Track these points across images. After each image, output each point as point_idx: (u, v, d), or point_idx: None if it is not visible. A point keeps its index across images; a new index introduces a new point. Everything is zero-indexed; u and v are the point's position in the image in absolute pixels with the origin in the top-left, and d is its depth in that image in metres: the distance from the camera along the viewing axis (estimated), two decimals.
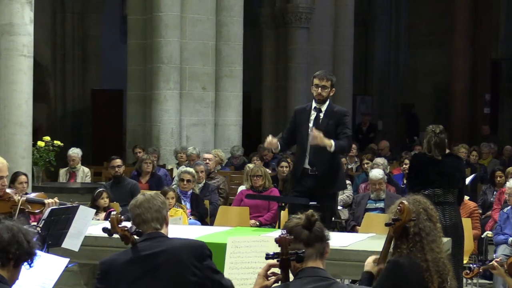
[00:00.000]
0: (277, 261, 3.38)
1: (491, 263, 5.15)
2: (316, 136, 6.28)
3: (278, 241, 3.36)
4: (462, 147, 12.51)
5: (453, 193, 6.75)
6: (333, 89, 6.59)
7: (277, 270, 3.46)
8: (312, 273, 3.38)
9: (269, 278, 3.48)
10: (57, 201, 5.66)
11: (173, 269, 3.68)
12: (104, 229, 3.80)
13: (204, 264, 3.73)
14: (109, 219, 3.79)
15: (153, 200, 3.80)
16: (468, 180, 9.20)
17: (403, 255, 3.91)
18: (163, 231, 3.80)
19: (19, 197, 5.64)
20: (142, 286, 3.67)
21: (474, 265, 5.39)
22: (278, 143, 6.59)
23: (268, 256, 3.39)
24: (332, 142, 6.34)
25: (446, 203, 6.62)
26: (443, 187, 6.67)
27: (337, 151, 6.44)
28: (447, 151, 7.01)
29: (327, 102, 6.59)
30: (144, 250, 3.70)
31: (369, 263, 4.05)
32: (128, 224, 3.80)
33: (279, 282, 3.44)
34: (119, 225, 3.74)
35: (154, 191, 4.00)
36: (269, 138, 6.55)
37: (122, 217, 3.82)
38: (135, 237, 3.73)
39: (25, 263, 3.05)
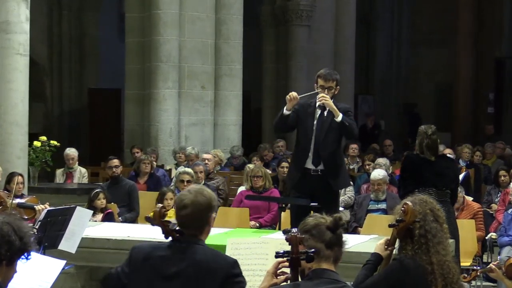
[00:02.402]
0: (287, 260, 3.37)
1: (488, 266, 5.08)
2: (325, 96, 6.25)
3: (288, 239, 3.35)
4: (465, 147, 12.43)
5: (447, 193, 6.75)
6: (338, 87, 6.55)
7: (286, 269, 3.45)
8: (324, 275, 3.38)
9: (278, 277, 3.47)
10: (48, 207, 5.58)
11: (198, 280, 3.60)
12: (147, 218, 3.81)
13: (228, 282, 3.59)
14: (154, 210, 3.79)
15: (199, 205, 3.65)
16: (460, 178, 9.13)
17: (408, 256, 3.87)
18: (203, 235, 3.70)
19: (11, 201, 5.55)
20: (163, 286, 3.63)
21: (478, 267, 5.31)
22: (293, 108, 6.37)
23: (278, 255, 3.38)
24: (340, 113, 6.31)
25: (440, 203, 6.53)
26: (436, 186, 6.67)
27: (344, 123, 6.34)
28: (443, 148, 6.95)
29: (331, 101, 6.49)
30: (179, 253, 3.63)
31: (380, 245, 4.03)
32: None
33: (288, 281, 3.43)
34: (162, 219, 3.69)
35: (202, 188, 3.86)
36: (295, 93, 6.35)
37: (166, 211, 3.78)
38: (176, 234, 3.68)
39: (21, 258, 2.97)
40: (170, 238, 3.69)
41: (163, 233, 3.69)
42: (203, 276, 3.58)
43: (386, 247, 4.04)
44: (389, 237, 4.03)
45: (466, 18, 18.71)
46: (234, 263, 3.64)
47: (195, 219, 3.65)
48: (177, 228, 3.66)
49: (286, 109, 6.39)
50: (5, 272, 2.93)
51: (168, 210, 7.91)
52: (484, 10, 18.99)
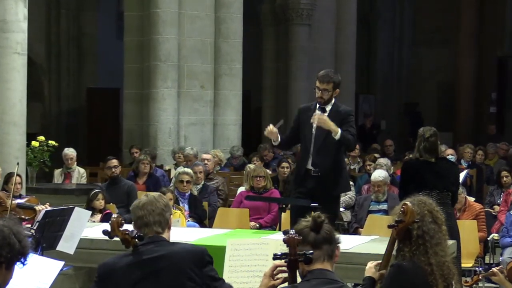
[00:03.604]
0: (285, 261, 3.36)
1: (490, 270, 5.03)
2: (321, 117, 6.20)
3: (286, 241, 3.35)
4: (467, 147, 12.34)
5: (447, 195, 6.71)
6: (337, 90, 6.48)
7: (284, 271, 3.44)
8: (320, 275, 3.36)
9: (275, 279, 3.47)
10: (48, 207, 5.55)
11: (173, 275, 3.65)
12: (105, 232, 3.77)
13: (203, 270, 3.68)
14: (110, 221, 3.74)
15: (156, 203, 3.75)
16: (461, 176, 9.07)
17: (406, 258, 3.82)
18: (165, 234, 3.76)
19: (10, 201, 5.52)
20: None
21: (480, 268, 5.28)
22: (278, 135, 6.46)
23: (275, 256, 3.38)
24: (339, 129, 6.24)
25: (440, 205, 6.50)
26: (437, 188, 6.62)
27: (342, 141, 6.31)
28: (445, 148, 6.90)
29: (332, 102, 6.49)
30: (145, 254, 3.67)
31: (370, 268, 3.99)
32: (129, 227, 3.77)
33: (286, 283, 3.42)
34: (120, 229, 3.70)
35: (158, 193, 4.01)
36: (270, 127, 6.44)
37: (123, 220, 3.77)
38: (136, 240, 3.69)
39: (18, 263, 2.95)
40: (131, 248, 3.70)
41: (123, 243, 3.70)
42: (178, 270, 3.63)
43: (377, 270, 3.99)
44: (379, 261, 3.98)
45: (468, 17, 18.60)
46: (204, 251, 3.75)
47: (156, 214, 3.72)
48: (137, 234, 3.68)
49: (274, 141, 6.54)
50: (4, 275, 2.91)
51: None
52: (486, 9, 18.89)
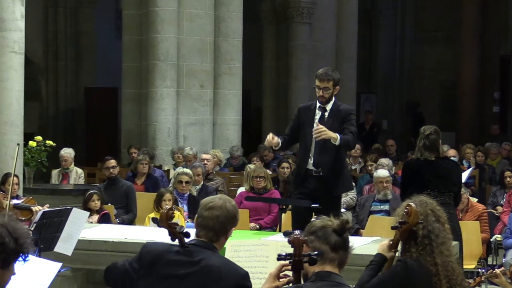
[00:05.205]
0: (289, 262, 3.36)
1: (494, 271, 4.99)
2: (320, 130, 6.14)
3: (291, 241, 3.34)
4: (467, 148, 12.31)
5: (449, 196, 6.67)
6: (337, 87, 6.43)
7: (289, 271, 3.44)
8: (327, 277, 3.37)
9: (280, 279, 3.46)
10: (47, 208, 5.50)
11: (205, 286, 3.59)
12: (154, 219, 3.89)
13: None
14: (161, 212, 3.77)
15: (225, 211, 3.70)
16: (465, 175, 8.99)
17: (412, 258, 3.83)
18: (218, 243, 3.71)
19: (7, 202, 5.47)
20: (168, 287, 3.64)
21: (482, 269, 5.24)
22: (279, 140, 6.44)
23: (280, 257, 3.37)
24: (338, 135, 6.19)
25: (442, 205, 6.45)
26: (439, 188, 6.59)
27: (343, 144, 6.28)
28: (447, 148, 6.82)
29: (332, 101, 6.44)
30: (187, 256, 3.64)
31: (384, 245, 4.01)
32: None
33: (290, 284, 3.42)
34: (169, 221, 3.70)
35: (232, 201, 3.90)
36: (270, 137, 6.40)
37: (173, 213, 3.79)
38: (184, 237, 3.69)
39: (18, 261, 2.89)
40: (176, 241, 3.67)
41: (169, 235, 3.69)
42: (213, 283, 3.56)
43: (389, 248, 4.00)
44: (391, 239, 3.99)
45: (471, 15, 18.52)
46: (246, 275, 3.62)
47: (218, 223, 3.67)
48: (184, 230, 3.65)
49: (275, 147, 6.57)
50: (1, 275, 2.86)
51: None
52: (489, 7, 18.81)
